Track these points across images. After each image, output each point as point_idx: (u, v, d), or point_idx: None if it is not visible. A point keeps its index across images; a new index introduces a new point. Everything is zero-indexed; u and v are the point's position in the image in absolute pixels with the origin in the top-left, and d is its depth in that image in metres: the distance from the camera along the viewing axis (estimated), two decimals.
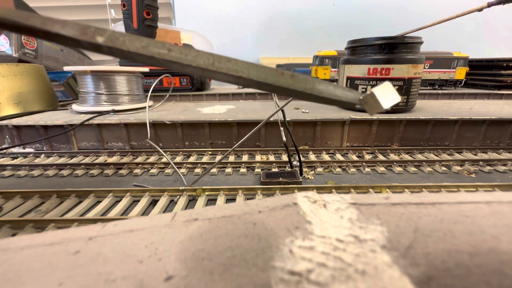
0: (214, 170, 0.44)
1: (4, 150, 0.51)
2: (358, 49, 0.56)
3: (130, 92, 0.61)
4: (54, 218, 0.30)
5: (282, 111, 0.38)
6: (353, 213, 0.14)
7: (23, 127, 0.52)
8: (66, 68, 0.56)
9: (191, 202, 0.35)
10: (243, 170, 0.43)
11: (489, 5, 0.45)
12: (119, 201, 0.35)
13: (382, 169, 0.43)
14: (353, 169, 0.43)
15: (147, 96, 0.52)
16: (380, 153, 0.50)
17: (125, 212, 0.33)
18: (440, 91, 1.01)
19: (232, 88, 1.13)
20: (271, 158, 0.49)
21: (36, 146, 0.54)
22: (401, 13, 1.42)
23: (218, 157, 0.50)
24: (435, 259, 0.11)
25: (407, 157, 0.48)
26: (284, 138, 0.38)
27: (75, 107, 0.58)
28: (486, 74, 1.06)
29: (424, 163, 0.45)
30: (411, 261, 0.10)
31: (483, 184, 0.36)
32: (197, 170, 0.44)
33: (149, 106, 0.65)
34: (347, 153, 0.51)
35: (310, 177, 0.41)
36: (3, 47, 0.77)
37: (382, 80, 0.53)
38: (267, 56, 1.46)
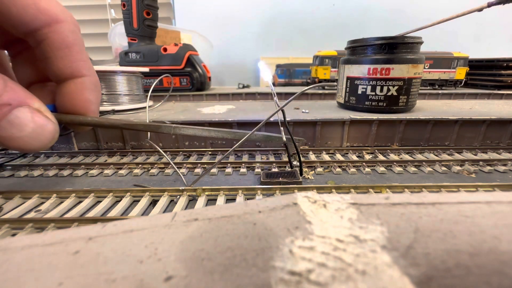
0: (214, 170, 0.44)
1: (4, 150, 0.51)
2: (358, 49, 0.56)
3: (130, 92, 0.61)
4: (54, 218, 0.30)
5: (282, 111, 0.38)
6: (353, 213, 0.14)
7: None
8: None
9: (191, 202, 0.35)
10: (243, 170, 0.43)
11: (489, 5, 0.45)
12: (119, 201, 0.34)
13: (382, 169, 0.43)
14: (353, 169, 0.43)
15: (147, 96, 0.52)
16: (380, 153, 0.50)
17: (125, 212, 0.33)
18: (440, 91, 1.01)
19: (232, 88, 1.13)
20: (271, 158, 0.49)
21: None
22: (401, 13, 1.42)
23: (218, 157, 0.50)
24: (435, 259, 0.11)
25: (407, 157, 0.48)
26: (284, 138, 0.38)
27: None
28: (486, 74, 1.06)
29: (424, 163, 0.45)
30: (411, 261, 0.10)
31: (483, 184, 0.36)
32: (197, 170, 0.44)
33: (149, 106, 0.65)
34: (347, 153, 0.51)
35: (310, 177, 0.41)
36: None
37: (382, 80, 0.53)
38: (267, 56, 1.46)
